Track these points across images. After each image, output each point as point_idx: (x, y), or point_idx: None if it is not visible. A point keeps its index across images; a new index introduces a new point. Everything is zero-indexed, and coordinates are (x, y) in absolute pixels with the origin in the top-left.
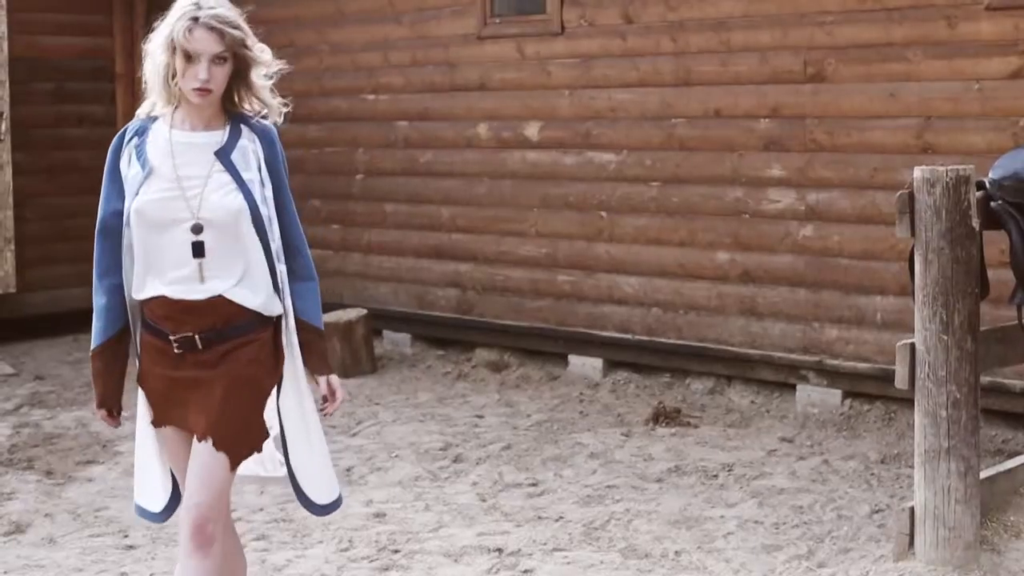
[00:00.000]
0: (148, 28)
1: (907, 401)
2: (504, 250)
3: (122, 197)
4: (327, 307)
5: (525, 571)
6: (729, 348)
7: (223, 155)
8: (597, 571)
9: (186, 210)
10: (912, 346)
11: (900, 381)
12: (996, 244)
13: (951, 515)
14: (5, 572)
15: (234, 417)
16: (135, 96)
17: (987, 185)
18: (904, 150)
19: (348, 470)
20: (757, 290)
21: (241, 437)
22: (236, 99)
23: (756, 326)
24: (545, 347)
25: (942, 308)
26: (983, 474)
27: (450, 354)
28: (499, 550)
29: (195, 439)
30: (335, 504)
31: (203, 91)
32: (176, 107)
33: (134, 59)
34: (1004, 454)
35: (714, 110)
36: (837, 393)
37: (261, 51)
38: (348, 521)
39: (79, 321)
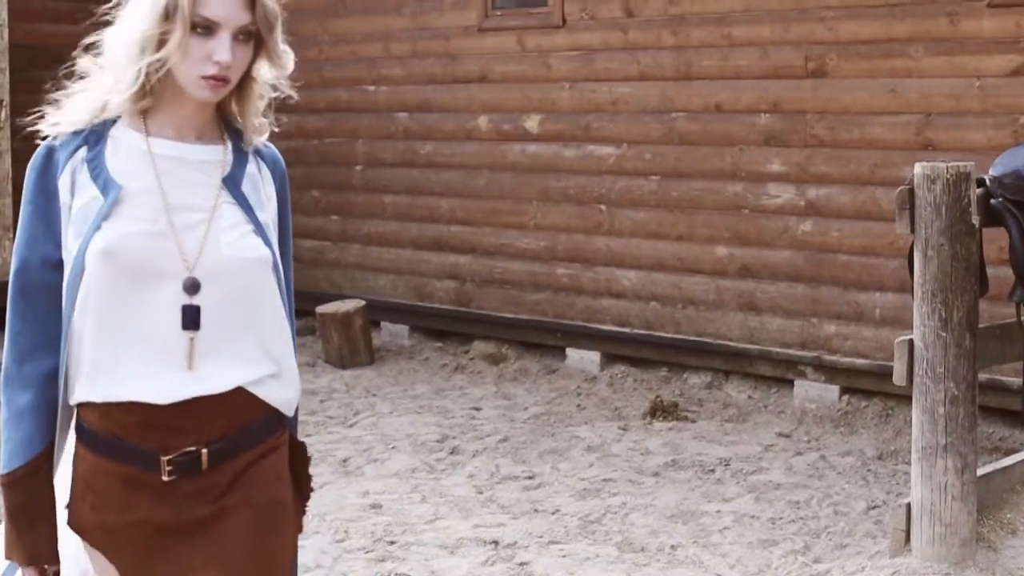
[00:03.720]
0: None
1: (905, 397)
2: (503, 242)
3: (57, 238)
4: (326, 298)
5: (521, 563)
6: (727, 343)
7: (232, 183)
8: (593, 564)
9: (177, 257)
10: (910, 342)
11: (898, 377)
12: (995, 241)
13: (947, 512)
14: None
15: (271, 567)
16: None
17: (987, 182)
18: (904, 146)
19: (345, 461)
20: (756, 285)
21: None
22: (232, 104)
23: (754, 321)
24: (543, 340)
25: (941, 305)
26: (980, 471)
27: (448, 346)
28: (495, 542)
29: None
30: None
31: (220, 81)
32: (146, 108)
33: None
34: (1001, 451)
35: (714, 104)
36: (835, 389)
37: (284, 50)
38: (344, 512)
39: None
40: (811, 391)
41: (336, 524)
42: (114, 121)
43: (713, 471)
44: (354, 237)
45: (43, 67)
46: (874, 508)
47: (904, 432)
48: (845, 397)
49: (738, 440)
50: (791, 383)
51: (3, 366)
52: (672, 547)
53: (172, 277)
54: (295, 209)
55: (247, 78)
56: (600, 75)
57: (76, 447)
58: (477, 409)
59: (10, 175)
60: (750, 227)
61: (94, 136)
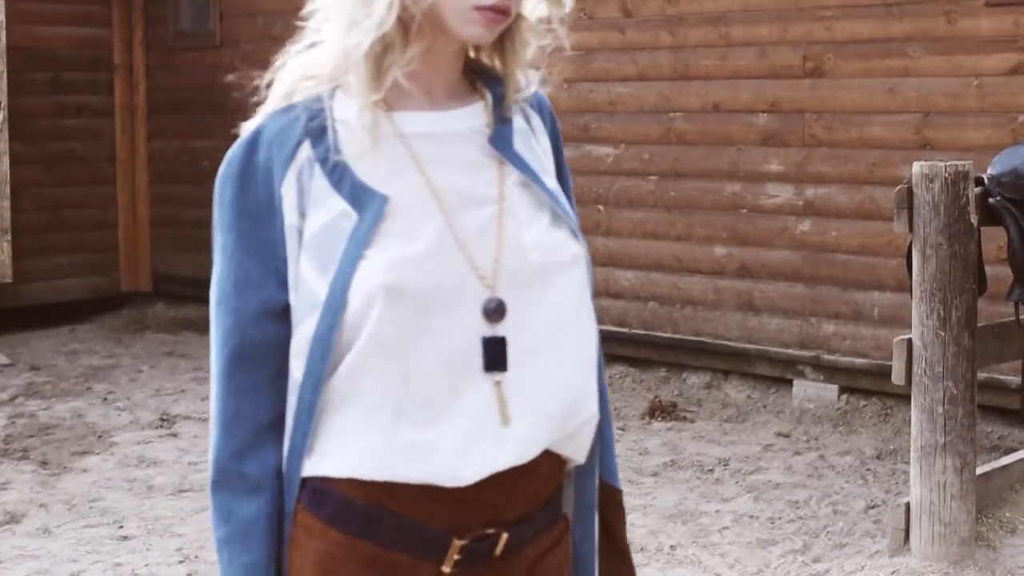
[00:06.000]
0: (147, 19)
1: (903, 397)
2: None
3: (281, 274)
4: None
5: None
6: (726, 343)
7: (503, 144)
8: None
9: (470, 274)
10: (909, 342)
11: (897, 377)
12: (994, 240)
13: (947, 511)
14: (0, 562)
15: None
16: (133, 87)
17: (985, 181)
18: (903, 146)
19: None
20: (754, 285)
21: None
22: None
23: (753, 321)
24: None
25: (939, 304)
26: (979, 470)
27: None
28: None
29: None
30: None
31: (499, 13)
32: (391, 64)
33: (132, 49)
34: (1000, 450)
35: (712, 104)
36: (834, 388)
37: None
38: None
39: (75, 312)
40: (810, 390)
41: None
42: (325, 95)
43: (712, 471)
44: None
45: (41, 70)
46: (873, 507)
47: (903, 431)
48: (844, 396)
49: (737, 440)
50: (790, 383)
51: (214, 463)
52: (671, 547)
53: (468, 303)
54: None
55: (519, 20)
56: (598, 75)
57: (302, 522)
58: None
59: (8, 177)
60: (748, 227)
61: (314, 121)
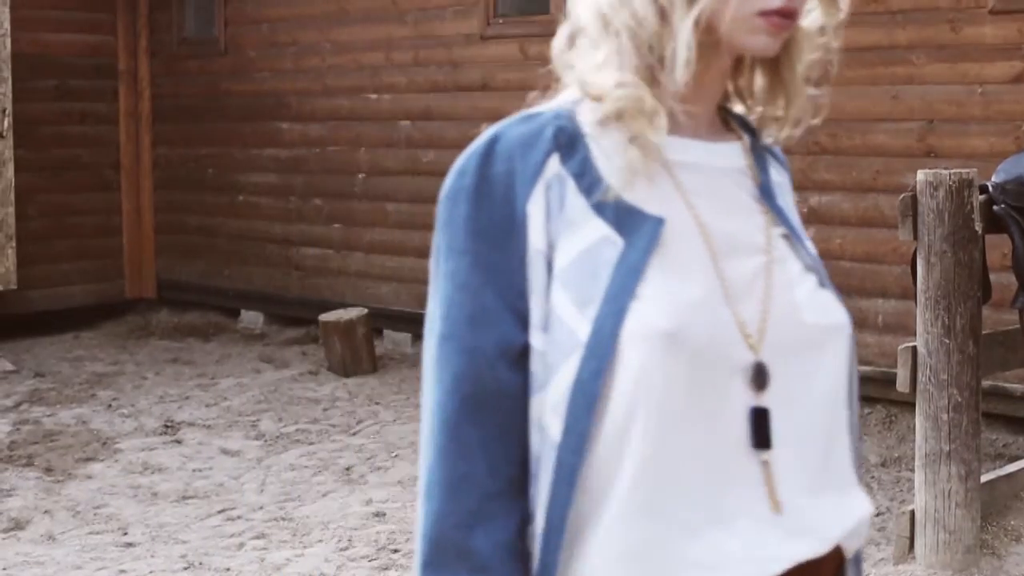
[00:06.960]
0: (151, 26)
1: (908, 404)
2: None
3: (523, 310)
4: (329, 306)
5: None
6: None
7: (768, 195)
8: None
9: (735, 331)
10: (914, 349)
11: (901, 384)
12: (998, 248)
13: (951, 519)
14: (4, 569)
15: None
16: (138, 94)
17: (990, 189)
18: (907, 153)
19: (348, 469)
20: None
21: None
22: (739, 79)
23: None
24: None
25: (944, 311)
26: (984, 478)
27: None
28: None
29: None
30: None
31: (787, 18)
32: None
33: (137, 57)
34: (1005, 458)
35: None
36: None
37: None
38: (347, 520)
39: (79, 318)
40: None
41: (339, 532)
42: (576, 104)
43: None
44: (357, 245)
45: (45, 77)
46: (878, 515)
47: (907, 439)
48: None
49: None
50: None
51: (432, 536)
52: None
53: (734, 366)
54: (297, 217)
55: (798, 39)
56: None
57: None
58: None
59: (13, 184)
60: None
61: (564, 133)
